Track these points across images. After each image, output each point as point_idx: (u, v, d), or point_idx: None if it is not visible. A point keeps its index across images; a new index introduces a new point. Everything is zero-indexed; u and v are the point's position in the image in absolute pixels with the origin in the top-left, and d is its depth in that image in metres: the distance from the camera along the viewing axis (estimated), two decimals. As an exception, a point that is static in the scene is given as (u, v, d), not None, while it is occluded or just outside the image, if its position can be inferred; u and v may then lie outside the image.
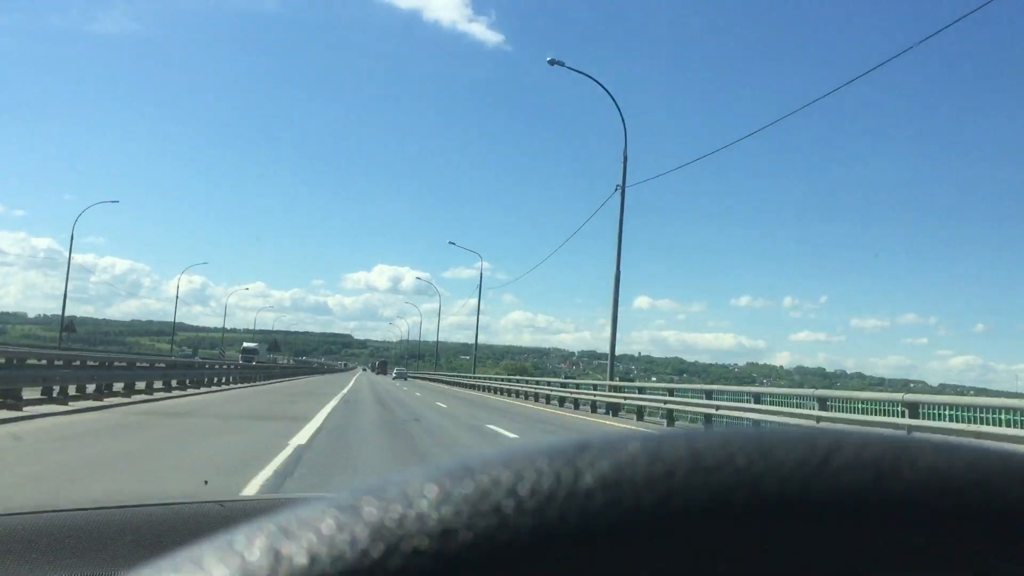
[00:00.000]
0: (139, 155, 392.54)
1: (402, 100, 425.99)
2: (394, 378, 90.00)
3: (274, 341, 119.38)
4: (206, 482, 6.68)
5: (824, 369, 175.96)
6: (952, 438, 1.91)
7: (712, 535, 0.36)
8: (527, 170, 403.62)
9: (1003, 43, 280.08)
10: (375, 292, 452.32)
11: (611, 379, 29.05)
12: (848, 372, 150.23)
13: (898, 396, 12.78)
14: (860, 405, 13.77)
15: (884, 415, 12.66)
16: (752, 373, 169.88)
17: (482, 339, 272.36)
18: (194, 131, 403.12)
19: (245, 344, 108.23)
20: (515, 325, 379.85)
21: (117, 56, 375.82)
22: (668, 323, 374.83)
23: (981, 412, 10.91)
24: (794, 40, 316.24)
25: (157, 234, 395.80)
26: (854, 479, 0.37)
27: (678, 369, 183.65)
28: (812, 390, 14.88)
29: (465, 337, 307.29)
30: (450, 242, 59.06)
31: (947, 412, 11.47)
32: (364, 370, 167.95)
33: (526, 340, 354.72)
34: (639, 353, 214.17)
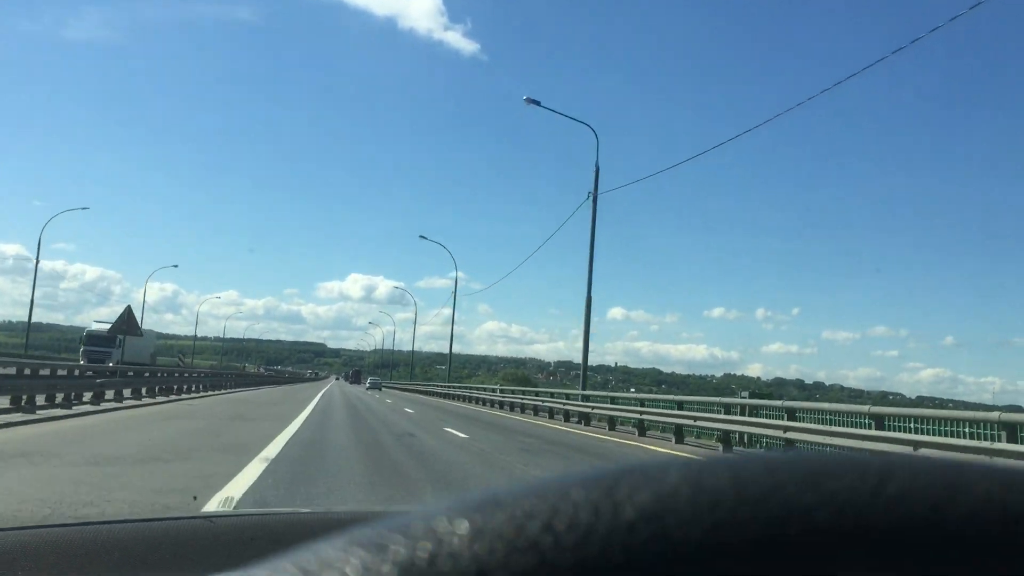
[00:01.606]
0: (111, 162, 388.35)
1: (377, 108, 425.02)
2: (368, 388, 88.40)
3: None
4: (195, 497, 6.17)
5: (803, 381, 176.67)
6: (973, 458, 1.97)
7: (763, 570, 0.34)
8: (503, 180, 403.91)
9: (950, 71, 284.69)
10: (349, 301, 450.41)
11: (583, 389, 29.28)
12: (827, 384, 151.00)
13: (864, 408, 13.52)
14: (829, 417, 14.20)
15: (853, 426, 13.07)
16: (730, 384, 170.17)
17: (456, 349, 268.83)
18: (167, 139, 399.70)
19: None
20: (489, 335, 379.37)
21: (89, 62, 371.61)
22: (642, 334, 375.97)
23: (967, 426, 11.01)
24: (771, 47, 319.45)
25: (129, 242, 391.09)
26: (910, 509, 0.35)
27: (656, 380, 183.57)
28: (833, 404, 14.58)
29: (439, 347, 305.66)
30: (421, 236, 57.51)
31: (914, 425, 11.86)
32: (337, 379, 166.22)
33: (500, 350, 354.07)
34: (616, 364, 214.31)
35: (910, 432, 11.56)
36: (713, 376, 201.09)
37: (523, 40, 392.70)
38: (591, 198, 29.80)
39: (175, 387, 30.97)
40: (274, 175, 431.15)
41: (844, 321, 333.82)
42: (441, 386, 60.53)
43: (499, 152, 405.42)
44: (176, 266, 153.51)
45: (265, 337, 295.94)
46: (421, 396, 59.56)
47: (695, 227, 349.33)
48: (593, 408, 24.87)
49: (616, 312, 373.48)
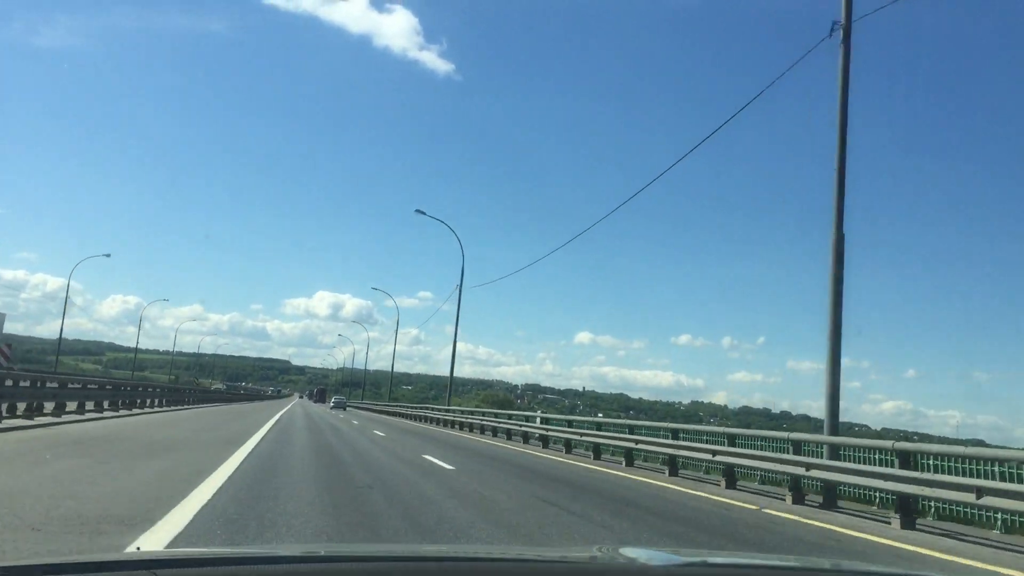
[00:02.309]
0: (76, 172, 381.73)
1: (350, 125, 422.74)
2: (332, 407, 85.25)
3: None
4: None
5: (769, 410, 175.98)
6: None
7: None
8: (475, 200, 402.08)
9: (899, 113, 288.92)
10: (315, 319, 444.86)
11: (541, 412, 30.67)
12: (793, 414, 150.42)
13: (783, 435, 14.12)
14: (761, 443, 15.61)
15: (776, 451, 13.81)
16: (698, 411, 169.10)
17: (423, 369, 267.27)
18: (135, 150, 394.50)
19: None
20: (456, 356, 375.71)
21: (58, 72, 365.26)
22: (609, 359, 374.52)
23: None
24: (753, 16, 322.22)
25: (90, 253, 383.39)
26: None
27: (624, 406, 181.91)
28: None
29: (406, 367, 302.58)
30: (417, 210, 49.35)
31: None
32: (301, 397, 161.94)
33: (467, 372, 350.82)
34: (584, 388, 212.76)
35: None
36: (680, 403, 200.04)
37: (498, 61, 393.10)
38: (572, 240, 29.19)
39: (119, 401, 29.05)
40: (244, 189, 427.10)
41: (808, 351, 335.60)
42: (415, 407, 58.26)
43: (474, 172, 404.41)
44: (108, 256, 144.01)
45: (229, 353, 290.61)
46: (393, 419, 57.31)
47: (664, 253, 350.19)
48: (549, 431, 26.00)
49: (583, 337, 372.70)
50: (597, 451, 21.92)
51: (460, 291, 49.99)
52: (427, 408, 54.98)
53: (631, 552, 2.24)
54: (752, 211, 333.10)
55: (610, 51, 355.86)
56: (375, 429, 29.24)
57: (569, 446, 23.53)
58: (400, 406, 65.10)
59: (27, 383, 19.71)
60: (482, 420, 35.49)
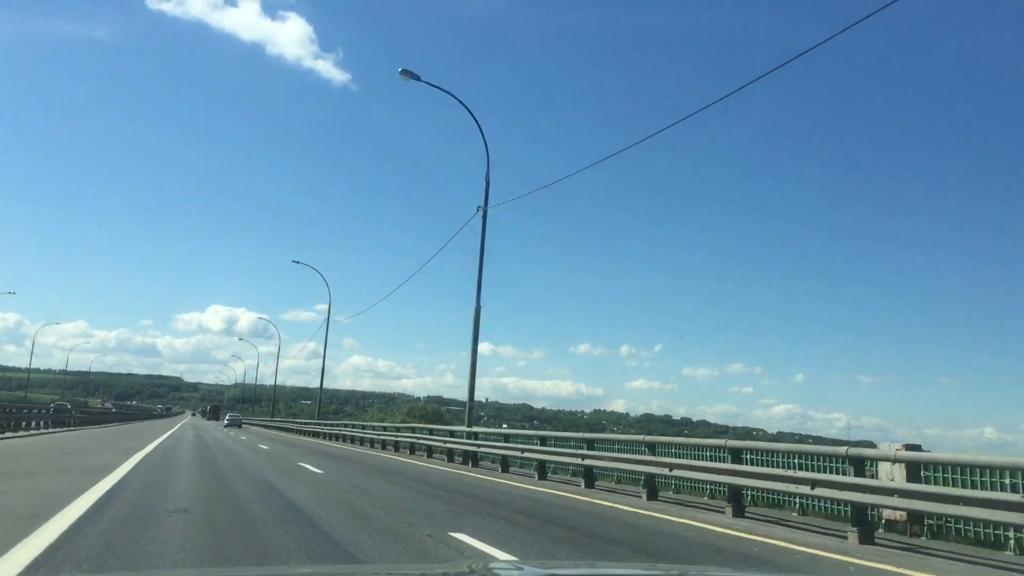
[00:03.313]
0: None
1: (243, 135, 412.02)
2: (225, 425, 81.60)
3: None
4: None
5: (671, 416, 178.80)
6: None
7: None
8: (372, 212, 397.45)
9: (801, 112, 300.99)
10: (208, 334, 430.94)
11: (469, 426, 26.32)
12: (694, 420, 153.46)
13: (720, 442, 14.09)
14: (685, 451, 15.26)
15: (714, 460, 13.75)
16: (601, 420, 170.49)
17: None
18: (14, 159, 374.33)
19: None
20: (355, 370, 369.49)
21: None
22: (508, 369, 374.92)
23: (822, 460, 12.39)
24: (650, 68, 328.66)
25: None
26: None
27: (527, 416, 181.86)
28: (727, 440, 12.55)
29: (303, 381, 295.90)
30: (295, 261, 56.17)
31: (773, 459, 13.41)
32: (194, 415, 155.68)
33: (367, 385, 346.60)
34: (487, 399, 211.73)
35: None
36: (583, 412, 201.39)
37: (395, 71, 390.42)
38: (479, 212, 28.69)
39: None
40: (130, 201, 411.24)
41: (703, 359, 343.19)
42: (314, 424, 55.81)
43: (372, 183, 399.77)
44: (13, 293, 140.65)
45: (116, 370, 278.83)
46: (289, 435, 55.20)
47: (564, 262, 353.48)
48: (480, 447, 22.87)
49: (483, 347, 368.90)
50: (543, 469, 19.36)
51: (327, 327, 48.74)
52: (340, 424, 48.84)
53: (501, 567, 2.21)
54: (648, 217, 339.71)
55: (505, 60, 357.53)
56: (300, 461, 21.24)
57: (506, 464, 21.55)
58: (300, 422, 62.07)
59: None
60: (398, 436, 31.94)
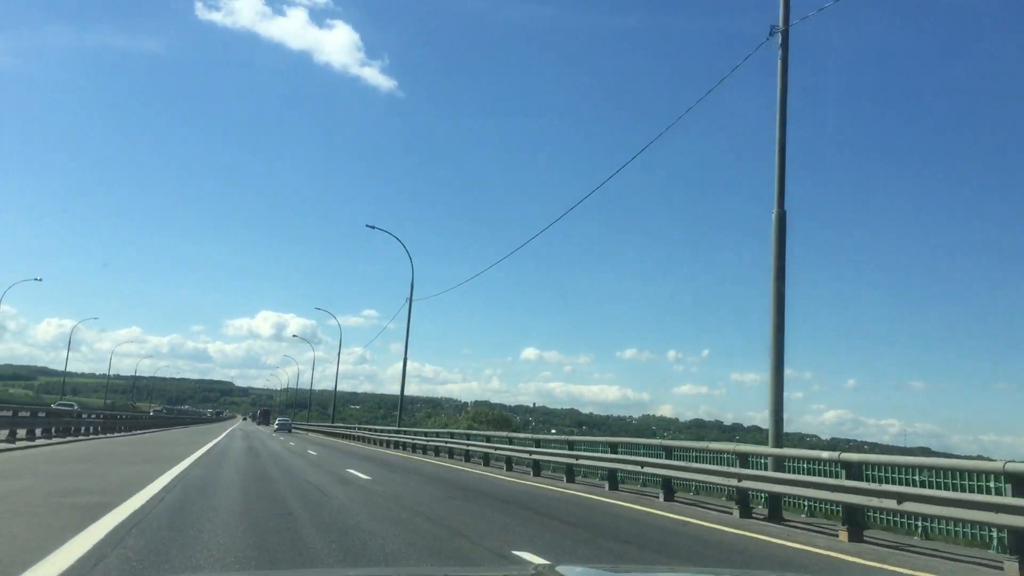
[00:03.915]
0: (9, 192, 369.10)
1: (291, 142, 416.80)
2: (276, 430, 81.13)
3: None
4: None
5: (721, 422, 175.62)
6: None
7: None
8: (420, 216, 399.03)
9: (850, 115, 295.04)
10: (258, 339, 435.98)
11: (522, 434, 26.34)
12: (745, 426, 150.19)
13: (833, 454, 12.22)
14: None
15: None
16: (650, 425, 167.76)
17: (368, 388, 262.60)
18: (70, 170, 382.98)
19: None
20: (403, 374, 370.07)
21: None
22: (555, 375, 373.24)
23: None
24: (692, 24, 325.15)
25: (24, 276, 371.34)
26: None
27: (575, 420, 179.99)
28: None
29: (351, 386, 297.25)
30: (368, 225, 52.20)
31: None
32: (244, 419, 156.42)
33: (413, 390, 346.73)
34: (534, 404, 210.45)
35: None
36: (631, 417, 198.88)
37: (440, 76, 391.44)
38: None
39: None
40: (183, 209, 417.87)
41: (751, 363, 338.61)
42: (364, 428, 54.61)
43: (417, 189, 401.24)
44: (39, 279, 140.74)
45: (169, 375, 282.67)
46: (338, 441, 54.31)
47: (609, 268, 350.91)
48: (497, 449, 23.85)
49: (529, 353, 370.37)
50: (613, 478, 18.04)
51: (410, 303, 47.66)
52: (399, 433, 42.63)
53: (566, 570, 2.26)
54: (695, 223, 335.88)
55: (551, 66, 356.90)
56: (350, 467, 19.99)
57: (571, 473, 19.74)
58: (359, 428, 59.77)
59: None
60: (469, 444, 28.75)
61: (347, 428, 61.33)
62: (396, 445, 40.01)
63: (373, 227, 50.93)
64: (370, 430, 50.66)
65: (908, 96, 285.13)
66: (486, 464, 25.50)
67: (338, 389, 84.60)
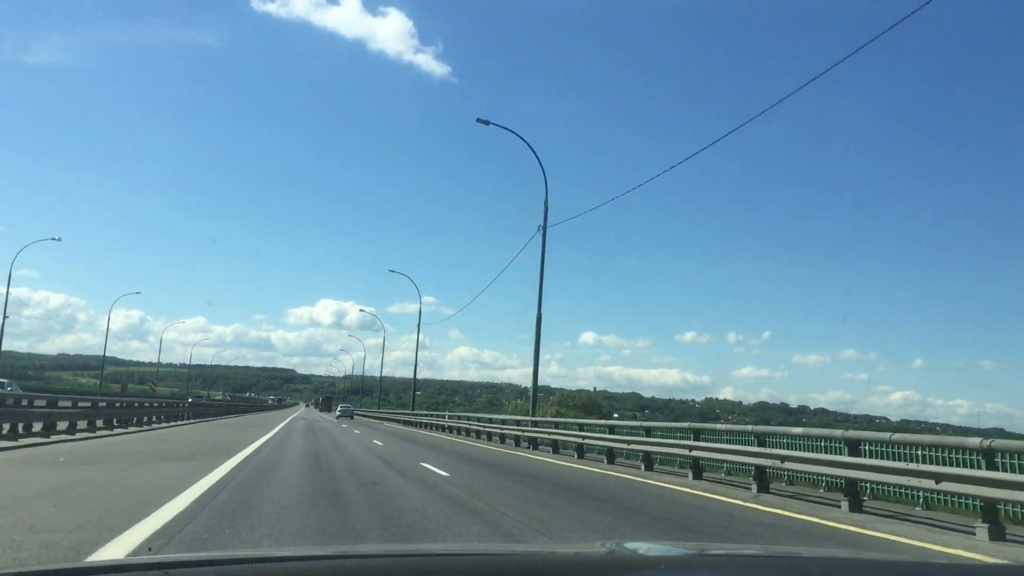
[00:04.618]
0: (75, 187, 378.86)
1: (347, 132, 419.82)
2: (338, 416, 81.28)
3: None
4: None
5: (787, 405, 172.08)
6: None
7: None
8: (474, 204, 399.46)
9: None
10: (319, 327, 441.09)
11: (532, 415, 31.20)
12: (811, 408, 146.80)
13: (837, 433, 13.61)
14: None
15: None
16: (714, 408, 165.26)
17: (428, 374, 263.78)
18: (133, 164, 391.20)
19: None
20: (461, 361, 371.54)
21: (53, 88, 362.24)
22: (614, 358, 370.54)
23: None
24: (741, 58, 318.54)
25: (93, 268, 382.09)
26: None
27: (638, 405, 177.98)
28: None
29: (409, 372, 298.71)
30: (390, 270, 53.54)
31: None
32: (307, 406, 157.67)
33: (472, 375, 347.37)
34: (595, 388, 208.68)
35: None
36: (694, 400, 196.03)
37: (494, 62, 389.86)
38: (540, 232, 31.53)
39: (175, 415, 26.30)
40: (242, 200, 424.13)
41: (814, 345, 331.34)
42: (428, 414, 53.67)
43: (472, 175, 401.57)
44: (139, 292, 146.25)
45: (233, 364, 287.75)
46: (403, 428, 53.72)
47: (666, 250, 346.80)
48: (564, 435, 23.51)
49: (588, 337, 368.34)
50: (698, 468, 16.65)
51: (418, 331, 46.68)
52: (481, 421, 37.94)
53: (636, 545, 2.38)
54: (755, 205, 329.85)
55: (605, 50, 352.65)
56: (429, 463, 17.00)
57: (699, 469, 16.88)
58: (419, 414, 57.13)
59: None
60: (556, 433, 25.80)
61: (406, 415, 60.22)
62: (467, 432, 38.22)
63: (393, 271, 51.69)
64: (457, 418, 45.02)
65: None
66: (580, 456, 22.89)
67: (399, 376, 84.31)
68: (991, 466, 9.69)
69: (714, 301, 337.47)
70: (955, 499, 11.60)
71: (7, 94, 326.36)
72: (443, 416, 47.34)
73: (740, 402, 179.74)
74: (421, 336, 53.64)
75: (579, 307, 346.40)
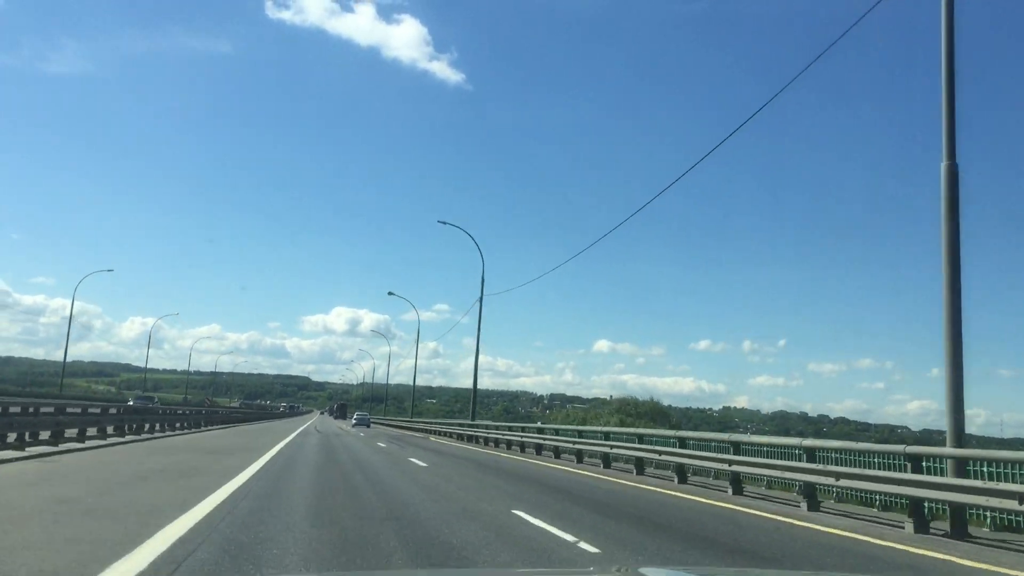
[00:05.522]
0: (92, 196, 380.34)
1: (362, 139, 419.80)
2: (353, 424, 79.65)
3: None
4: None
5: (806, 414, 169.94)
6: None
7: None
8: (490, 211, 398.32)
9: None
10: (333, 335, 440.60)
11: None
12: (831, 417, 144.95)
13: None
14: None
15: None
16: (732, 418, 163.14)
17: (442, 382, 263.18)
18: (149, 173, 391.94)
19: None
20: (477, 368, 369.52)
21: (70, 96, 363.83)
22: (628, 367, 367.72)
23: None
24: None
25: (108, 276, 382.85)
26: None
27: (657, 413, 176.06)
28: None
29: (425, 380, 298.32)
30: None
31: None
32: (322, 414, 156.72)
33: (486, 383, 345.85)
34: (610, 396, 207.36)
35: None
36: (711, 409, 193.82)
37: (509, 69, 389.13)
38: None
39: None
40: (256, 208, 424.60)
41: (830, 353, 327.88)
42: (445, 423, 52.48)
43: (487, 183, 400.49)
44: (177, 314, 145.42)
45: (248, 371, 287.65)
46: (422, 438, 52.49)
47: (681, 258, 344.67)
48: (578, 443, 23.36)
49: (602, 345, 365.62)
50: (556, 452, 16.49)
51: (481, 299, 45.76)
52: (483, 426, 39.64)
53: (648, 571, 2.52)
54: (768, 212, 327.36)
55: (620, 58, 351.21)
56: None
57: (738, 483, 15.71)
58: (436, 423, 57.17)
59: None
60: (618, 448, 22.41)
61: (424, 423, 59.48)
62: (507, 444, 34.73)
63: (445, 223, 49.97)
64: (490, 428, 41.09)
65: None
66: (639, 472, 20.60)
67: (411, 383, 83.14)
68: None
69: (729, 309, 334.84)
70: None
71: (25, 103, 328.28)
72: (513, 430, 36.86)
73: (758, 411, 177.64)
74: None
75: (593, 315, 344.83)
